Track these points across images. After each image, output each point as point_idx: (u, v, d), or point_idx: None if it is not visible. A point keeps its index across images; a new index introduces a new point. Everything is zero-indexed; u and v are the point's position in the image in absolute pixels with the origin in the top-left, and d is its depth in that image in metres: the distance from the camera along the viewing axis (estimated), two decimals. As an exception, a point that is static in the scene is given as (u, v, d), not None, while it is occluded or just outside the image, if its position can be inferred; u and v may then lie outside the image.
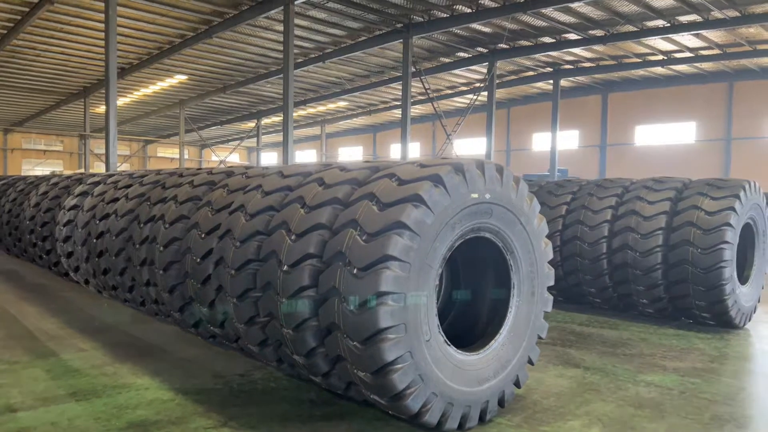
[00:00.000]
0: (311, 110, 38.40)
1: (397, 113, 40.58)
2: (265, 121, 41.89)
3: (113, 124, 14.49)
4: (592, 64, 28.35)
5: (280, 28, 20.30)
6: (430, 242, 3.05)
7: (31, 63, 25.10)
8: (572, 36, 22.59)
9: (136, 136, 47.35)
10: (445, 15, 20.11)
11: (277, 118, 41.55)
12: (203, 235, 4.07)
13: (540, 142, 37.04)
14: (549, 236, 5.20)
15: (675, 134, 32.26)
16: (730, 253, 4.74)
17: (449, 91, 33.38)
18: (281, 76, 26.54)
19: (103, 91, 30.08)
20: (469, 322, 3.91)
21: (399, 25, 21.05)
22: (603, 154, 35.03)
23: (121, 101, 33.49)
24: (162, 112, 36.68)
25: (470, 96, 31.20)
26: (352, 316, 2.95)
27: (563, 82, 32.16)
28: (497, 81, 30.81)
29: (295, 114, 39.53)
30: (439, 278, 3.23)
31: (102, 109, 35.53)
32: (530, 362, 3.84)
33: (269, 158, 59.05)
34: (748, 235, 5.37)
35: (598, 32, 22.06)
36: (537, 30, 22.36)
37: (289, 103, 17.79)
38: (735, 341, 5.35)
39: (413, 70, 23.02)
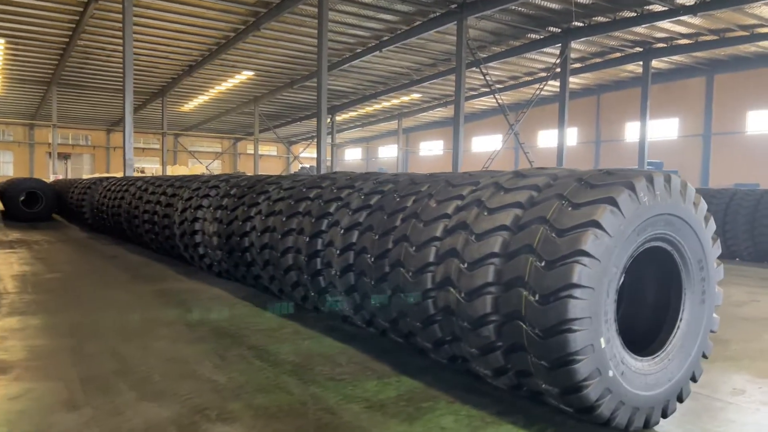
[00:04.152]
0: (385, 104, 37.55)
1: (478, 104, 38.73)
2: (343, 116, 41.73)
3: (129, 120, 14.40)
4: (689, 41, 24.91)
5: (332, 17, 19.62)
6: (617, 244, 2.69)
7: (107, 63, 26.29)
8: (657, 7, 19.83)
9: (225, 134, 49.12)
10: (499, -9, 18.33)
11: (353, 113, 41.25)
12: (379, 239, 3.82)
13: (634, 131, 33.53)
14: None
15: (796, 119, 27.70)
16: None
17: (528, 78, 31.07)
18: (342, 68, 26.16)
19: (178, 90, 31.48)
20: (641, 331, 3.31)
21: (453, 6, 19.53)
22: (707, 144, 30.99)
23: (200, 99, 34.64)
24: (239, 110, 37.56)
25: (552, 82, 28.85)
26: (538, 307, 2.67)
27: (660, 64, 28.77)
28: (579, 65, 28.23)
29: (369, 108, 39.07)
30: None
31: (185, 107, 37.10)
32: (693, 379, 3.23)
33: (353, 154, 59.13)
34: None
35: (688, 0, 19.14)
36: (614, 2, 19.82)
37: (322, 98, 16.99)
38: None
39: (473, 58, 21.36)
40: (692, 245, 3.03)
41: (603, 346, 2.63)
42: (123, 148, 16.59)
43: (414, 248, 3.44)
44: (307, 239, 4.68)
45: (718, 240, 3.18)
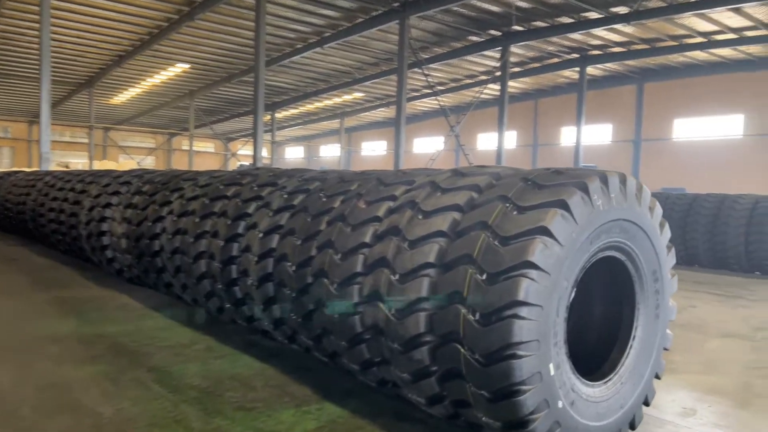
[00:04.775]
0: (327, 102, 36.92)
1: (419, 105, 38.70)
2: (283, 113, 40.78)
3: (46, 110, 13.27)
4: (622, 49, 25.66)
5: (271, 9, 18.88)
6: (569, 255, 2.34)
7: (28, 50, 24.48)
8: (593, 14, 20.22)
9: (159, 128, 47.14)
10: (442, -10, 18.16)
11: (294, 111, 40.38)
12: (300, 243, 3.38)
13: (569, 136, 34.35)
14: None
15: (719, 128, 29.01)
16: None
17: (468, 81, 31.23)
18: (282, 63, 25.41)
19: (108, 81, 29.76)
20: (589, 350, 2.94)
21: (395, 4, 19.21)
22: (637, 150, 32.09)
23: (132, 91, 32.93)
24: (174, 104, 36.01)
25: (491, 86, 29.07)
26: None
27: (595, 71, 29.52)
28: (518, 69, 28.57)
29: (310, 106, 38.35)
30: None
31: (116, 99, 35.23)
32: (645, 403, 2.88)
33: (294, 152, 58.13)
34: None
35: (622, 9, 19.60)
36: (552, 8, 20.06)
37: (259, 94, 16.31)
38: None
39: (415, 58, 21.14)
40: (647, 254, 2.71)
41: (552, 373, 2.26)
42: (39, 140, 15.31)
43: (339, 256, 2.98)
44: (222, 243, 4.13)
45: (673, 248, 2.89)
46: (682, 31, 22.58)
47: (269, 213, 3.87)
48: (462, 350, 2.31)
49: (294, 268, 3.39)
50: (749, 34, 22.24)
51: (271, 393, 3.39)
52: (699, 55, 26.19)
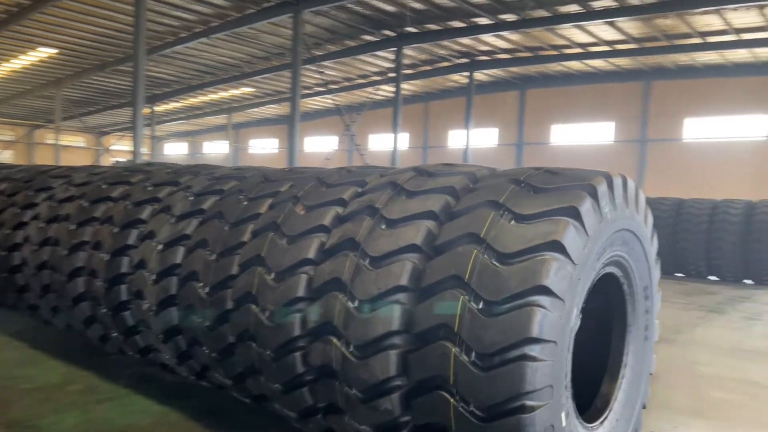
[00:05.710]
0: (213, 96, 35.01)
1: (311, 103, 37.90)
2: (164, 107, 38.15)
3: None
4: (508, 56, 26.70)
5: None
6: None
7: None
8: (483, 21, 20.74)
9: (20, 119, 42.35)
10: (337, -14, 17.65)
11: (177, 104, 37.93)
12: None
13: (457, 139, 35.35)
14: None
15: (593, 134, 31.22)
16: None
17: (362, 81, 30.99)
18: (164, 53, 23.62)
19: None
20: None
21: (288, -4, 18.41)
22: (520, 153, 33.68)
23: (-17, 77, 29.07)
24: (38, 93, 32.39)
25: (386, 87, 29.05)
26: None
27: (482, 76, 30.49)
28: (410, 71, 28.80)
29: (194, 99, 36.21)
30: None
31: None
32: None
33: (176, 149, 54.90)
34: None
35: (509, 17, 20.27)
36: (445, 11, 20.28)
37: (139, 85, 14.83)
38: None
39: (309, 55, 20.46)
40: (641, 269, 2.37)
41: (564, 424, 1.82)
42: None
43: (273, 276, 2.36)
44: (107, 257, 3.31)
45: (659, 260, 2.58)
46: (562, 41, 23.88)
47: (170, 219, 3.13)
48: (452, 401, 1.80)
49: (207, 289, 2.70)
50: (620, 47, 24.03)
51: (179, 449, 2.67)
52: (576, 65, 27.95)
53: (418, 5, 19.78)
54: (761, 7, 17.94)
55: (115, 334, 3.41)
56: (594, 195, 1.90)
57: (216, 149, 49.78)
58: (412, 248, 2.01)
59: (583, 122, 31.32)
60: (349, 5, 19.41)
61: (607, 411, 2.30)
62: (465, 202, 2.06)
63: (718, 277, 9.31)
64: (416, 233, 2.03)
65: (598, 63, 27.28)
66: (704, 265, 9.13)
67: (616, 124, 30.43)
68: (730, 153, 27.16)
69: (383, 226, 2.13)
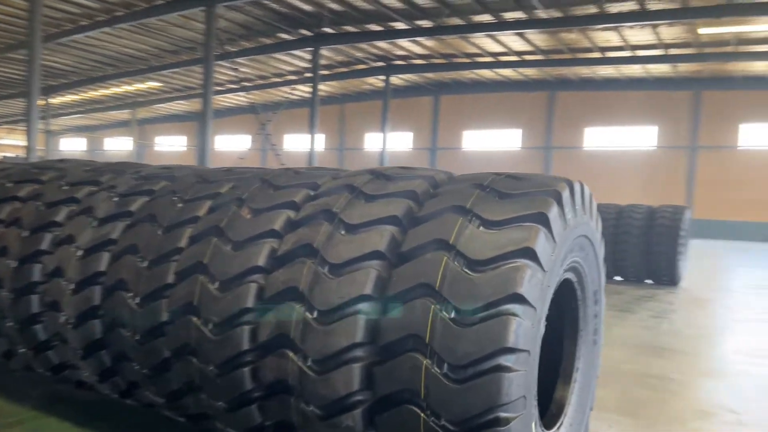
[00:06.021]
0: (116, 89, 33.00)
1: (223, 101, 36.67)
2: (61, 99, 35.47)
3: None
4: (423, 62, 27.18)
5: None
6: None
7: None
8: (400, 25, 20.98)
9: None
10: (252, -19, 17.22)
11: (75, 97, 35.42)
12: None
13: (374, 141, 35.54)
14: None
15: (502, 141, 32.46)
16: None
17: (277, 80, 30.37)
18: (61, 41, 22.00)
19: None
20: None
21: (201, -11, 17.67)
22: (433, 157, 34.40)
23: None
24: None
25: (302, 87, 28.66)
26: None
27: (398, 81, 30.87)
28: (327, 72, 28.60)
29: (95, 93, 33.99)
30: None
31: None
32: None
33: (73, 144, 51.27)
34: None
35: (426, 23, 20.64)
36: (363, 14, 20.30)
37: (34, 75, 13.69)
38: None
39: (220, 50, 19.77)
40: (593, 274, 2.42)
41: (534, 433, 1.79)
42: None
43: (218, 285, 2.17)
44: (14, 264, 2.95)
45: (605, 265, 2.65)
46: (474, 50, 24.65)
47: (92, 222, 2.83)
48: (422, 415, 1.72)
49: (138, 300, 2.46)
50: (528, 57, 25.17)
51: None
52: (487, 73, 28.99)
53: (335, 6, 19.68)
54: (655, 26, 19.44)
55: (23, 350, 3.04)
56: (559, 201, 1.90)
57: (118, 146, 46.98)
58: (376, 255, 1.92)
59: (493, 129, 32.53)
60: (265, 2, 18.98)
61: (563, 416, 2.32)
62: (429, 207, 1.99)
63: (622, 277, 9.92)
64: (380, 239, 1.94)
65: (507, 72, 28.44)
66: (611, 266, 9.69)
67: (524, 131, 31.86)
68: (626, 160, 29.25)
69: (343, 232, 2.02)
